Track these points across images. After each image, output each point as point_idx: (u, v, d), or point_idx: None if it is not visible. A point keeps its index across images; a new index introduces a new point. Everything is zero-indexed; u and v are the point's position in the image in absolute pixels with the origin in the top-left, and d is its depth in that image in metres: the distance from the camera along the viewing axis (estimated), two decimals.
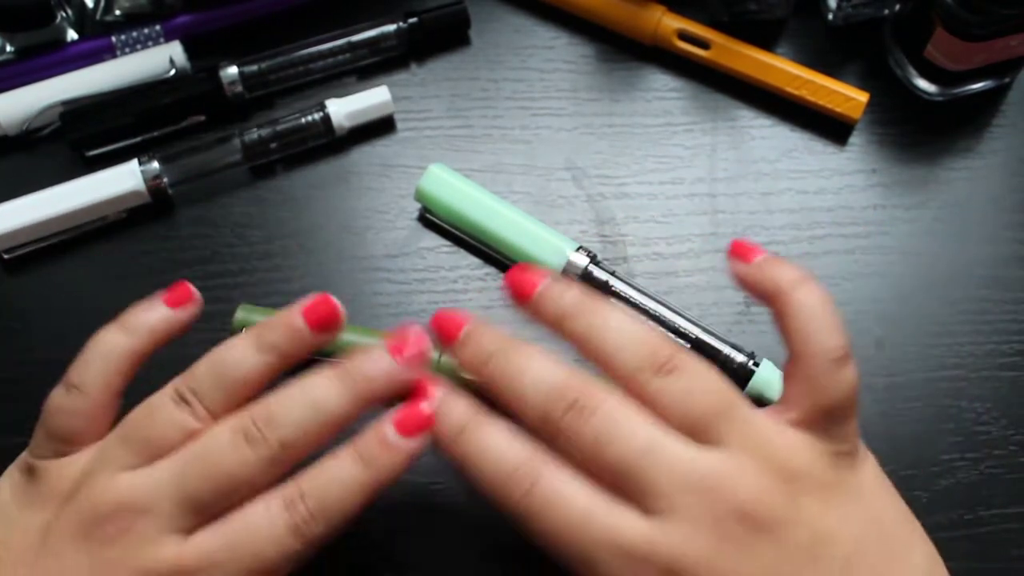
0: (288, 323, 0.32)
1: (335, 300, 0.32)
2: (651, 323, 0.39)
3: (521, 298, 0.32)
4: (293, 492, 0.30)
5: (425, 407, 0.31)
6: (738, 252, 0.33)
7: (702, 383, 0.30)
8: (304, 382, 0.31)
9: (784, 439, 0.30)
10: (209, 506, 0.30)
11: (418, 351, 0.32)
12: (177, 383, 0.31)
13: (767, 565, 0.28)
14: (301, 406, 0.31)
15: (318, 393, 0.31)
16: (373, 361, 0.32)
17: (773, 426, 0.30)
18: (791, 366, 0.31)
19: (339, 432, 0.31)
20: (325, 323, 0.32)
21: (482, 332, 0.32)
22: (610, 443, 0.29)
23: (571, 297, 0.31)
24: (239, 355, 0.31)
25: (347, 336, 0.40)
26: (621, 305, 0.31)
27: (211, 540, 0.30)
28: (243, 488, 0.30)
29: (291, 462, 0.31)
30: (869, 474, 0.32)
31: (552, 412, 0.29)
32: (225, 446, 0.30)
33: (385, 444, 0.31)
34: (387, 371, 0.31)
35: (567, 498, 0.29)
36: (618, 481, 0.29)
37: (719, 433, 0.29)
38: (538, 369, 0.30)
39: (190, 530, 0.30)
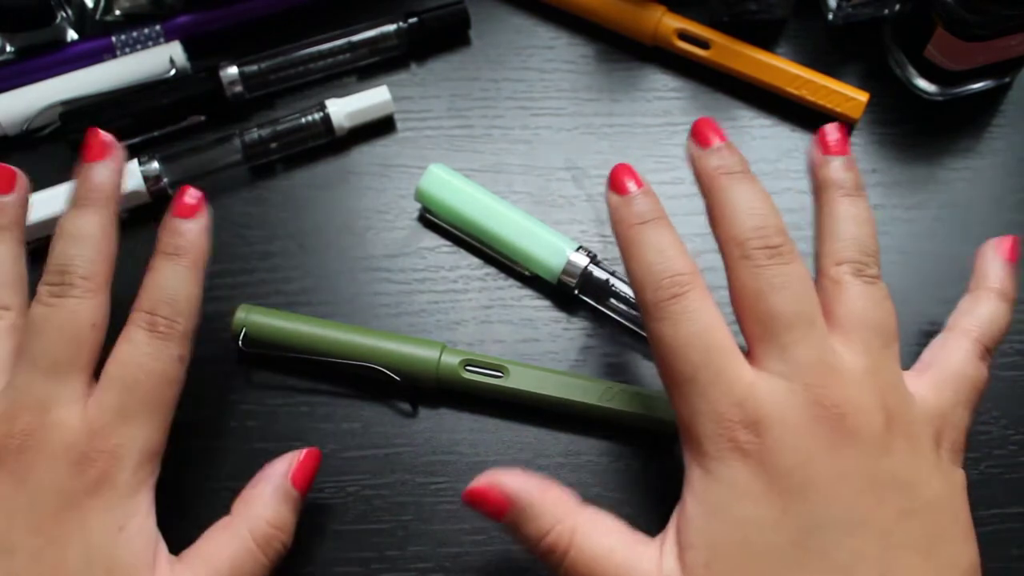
0: None
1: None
2: None
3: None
4: (141, 312, 0.33)
5: (189, 196, 0.35)
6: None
7: (882, 302, 0.33)
8: (62, 223, 0.34)
9: (910, 393, 0.32)
10: (74, 361, 0.32)
11: (103, 143, 0.35)
12: None
13: (840, 471, 0.29)
14: (73, 243, 0.33)
15: (78, 223, 0.34)
16: (93, 171, 0.35)
17: (906, 377, 0.33)
18: (939, 341, 0.35)
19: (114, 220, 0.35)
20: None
21: (731, 151, 0.35)
22: (783, 291, 0.31)
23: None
24: None
25: (348, 336, 0.40)
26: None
27: (102, 392, 0.32)
28: (87, 327, 0.32)
29: (106, 285, 0.34)
30: (959, 474, 0.32)
31: (753, 241, 0.32)
32: (48, 309, 0.33)
33: (179, 231, 0.35)
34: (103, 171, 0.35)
35: (704, 320, 0.31)
36: (764, 326, 0.31)
37: (866, 349, 0.31)
38: (761, 205, 0.33)
39: (82, 398, 0.32)
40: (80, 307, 0.33)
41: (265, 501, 0.34)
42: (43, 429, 0.31)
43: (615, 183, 0.35)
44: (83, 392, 0.32)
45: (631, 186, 0.34)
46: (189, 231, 0.35)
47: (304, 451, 0.36)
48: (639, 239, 0.33)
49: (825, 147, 0.35)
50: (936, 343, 0.35)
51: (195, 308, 0.34)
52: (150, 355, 0.33)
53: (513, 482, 0.32)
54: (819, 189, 0.35)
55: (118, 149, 0.36)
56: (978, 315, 0.36)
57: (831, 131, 0.35)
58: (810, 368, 0.30)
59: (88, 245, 0.34)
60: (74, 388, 0.32)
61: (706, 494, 0.30)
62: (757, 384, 0.30)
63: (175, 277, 0.34)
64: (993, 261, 0.37)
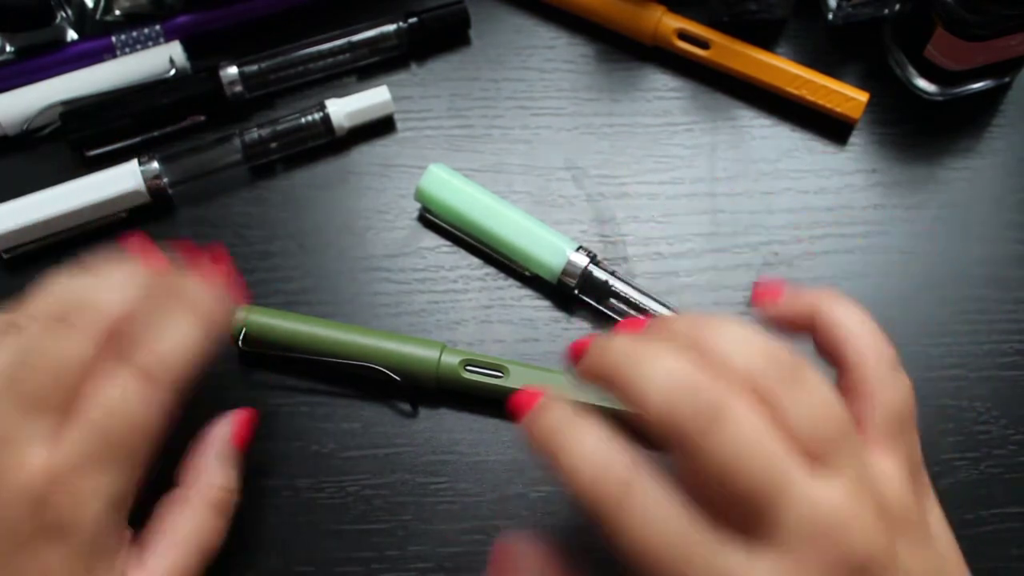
0: None
1: None
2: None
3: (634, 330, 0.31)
4: (140, 354, 0.31)
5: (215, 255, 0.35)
6: (764, 296, 0.33)
7: (827, 399, 0.27)
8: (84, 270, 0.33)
9: (882, 471, 0.29)
10: (51, 397, 0.30)
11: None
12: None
13: None
14: (90, 285, 0.32)
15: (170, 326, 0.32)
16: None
17: (869, 454, 0.29)
18: (848, 382, 0.30)
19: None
20: None
21: (611, 338, 0.30)
22: (738, 461, 0.26)
23: (688, 318, 0.30)
24: None
25: (348, 336, 0.40)
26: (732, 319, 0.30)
27: (77, 433, 0.30)
28: (76, 369, 0.30)
29: (107, 330, 0.31)
30: (937, 512, 0.31)
31: (677, 413, 0.26)
32: (42, 336, 0.31)
33: (210, 291, 0.34)
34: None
35: (666, 513, 0.26)
36: (737, 503, 0.26)
37: (837, 460, 0.27)
38: (669, 365, 0.27)
39: (54, 436, 0.30)
40: (76, 342, 0.31)
41: (213, 468, 0.35)
42: (2, 469, 0.29)
43: (519, 403, 0.30)
44: (54, 432, 0.30)
45: (536, 400, 0.30)
46: (207, 287, 0.34)
47: (237, 413, 0.37)
48: (557, 450, 0.28)
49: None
50: (846, 391, 0.30)
51: (193, 364, 0.32)
52: (137, 402, 0.31)
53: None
54: None
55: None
56: (854, 337, 0.31)
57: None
58: (802, 532, 0.26)
59: (114, 292, 0.32)
60: (45, 427, 0.30)
61: None
62: (755, 573, 0.26)
63: (184, 324, 0.32)
64: (798, 298, 0.32)
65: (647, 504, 0.26)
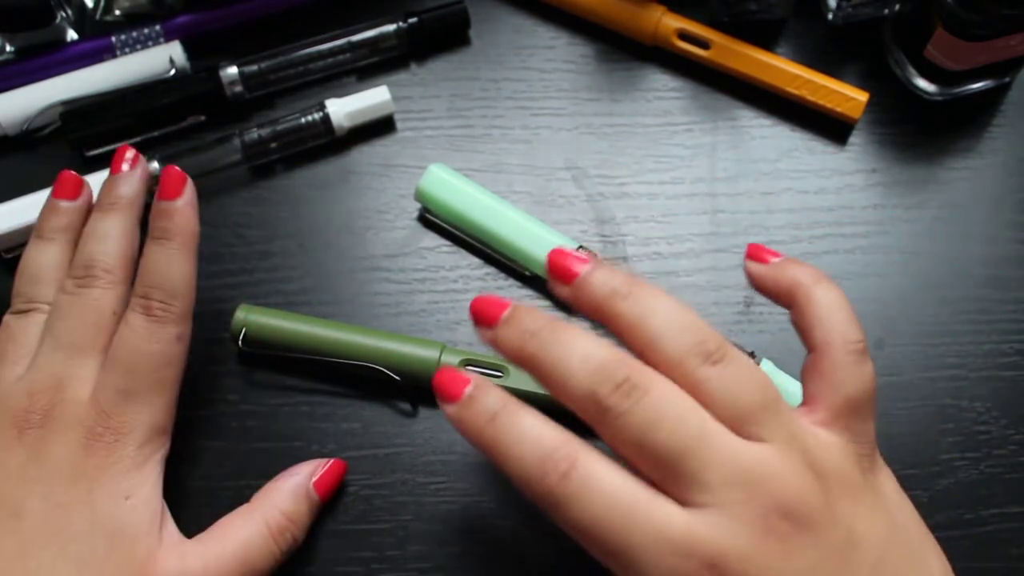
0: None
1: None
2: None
3: (564, 279, 0.31)
4: (138, 298, 0.35)
5: (170, 177, 0.37)
6: (754, 254, 0.34)
7: (748, 375, 0.29)
8: (89, 226, 0.37)
9: (818, 439, 0.30)
10: (92, 344, 0.35)
11: (129, 161, 0.38)
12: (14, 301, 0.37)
13: (807, 565, 0.28)
14: (98, 241, 0.36)
15: (105, 227, 0.37)
16: (117, 183, 0.38)
17: (807, 425, 0.30)
18: (812, 361, 0.31)
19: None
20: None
21: (525, 312, 0.31)
22: (660, 426, 0.28)
23: (619, 280, 0.30)
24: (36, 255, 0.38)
25: (348, 336, 0.40)
26: (664, 291, 0.30)
27: (107, 373, 0.34)
28: (108, 318, 0.35)
29: (126, 279, 0.36)
30: (889, 481, 0.32)
31: (599, 390, 0.28)
32: (72, 297, 0.36)
33: (167, 212, 0.37)
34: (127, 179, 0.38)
35: (606, 485, 0.28)
36: (662, 468, 0.28)
37: (762, 427, 0.28)
38: (586, 346, 0.29)
39: (95, 378, 0.35)
40: (103, 296, 0.36)
41: (284, 495, 0.37)
42: (60, 406, 0.34)
43: (445, 390, 0.30)
44: (97, 372, 0.35)
45: (465, 389, 0.30)
46: (175, 211, 0.37)
47: (331, 461, 0.38)
48: (496, 438, 0.29)
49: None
50: (809, 369, 0.32)
51: (189, 287, 0.36)
52: (147, 338, 0.35)
53: None
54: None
55: (141, 162, 0.39)
56: (824, 319, 0.32)
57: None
58: (729, 485, 0.28)
59: (111, 243, 0.36)
60: (90, 368, 0.35)
61: None
62: (693, 525, 0.27)
63: (166, 260, 0.36)
64: (785, 267, 0.33)
65: (590, 479, 0.28)
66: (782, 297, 0.33)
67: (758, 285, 0.34)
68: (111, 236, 0.37)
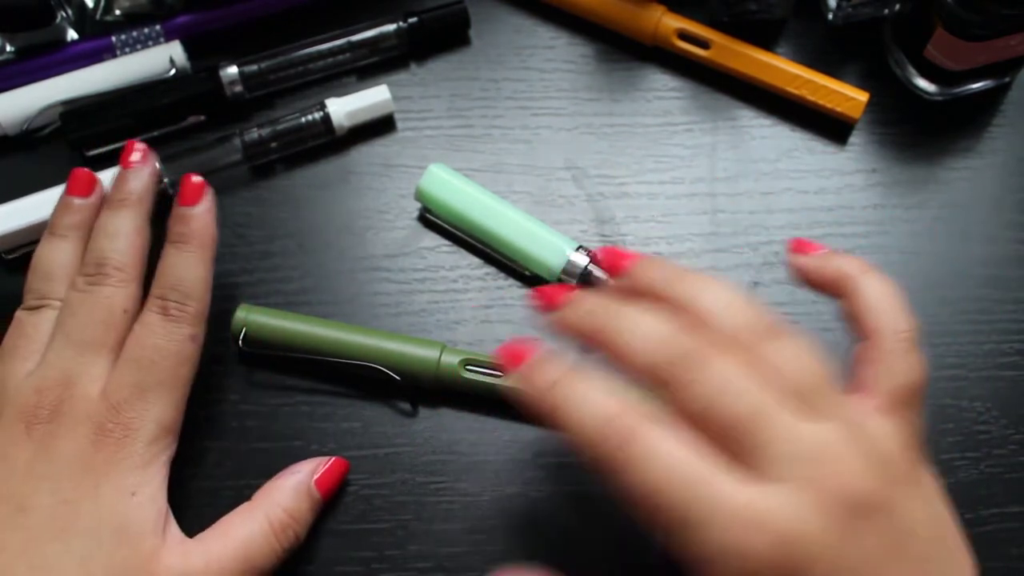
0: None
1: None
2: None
3: (615, 272, 0.33)
4: (155, 298, 0.36)
5: (190, 184, 0.38)
6: (798, 248, 0.34)
7: (806, 353, 0.29)
8: (99, 222, 0.38)
9: (876, 423, 0.30)
10: (103, 341, 0.35)
11: (139, 155, 0.39)
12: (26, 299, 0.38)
13: (868, 551, 0.27)
14: (108, 239, 0.37)
15: (116, 224, 0.37)
16: (128, 178, 0.39)
17: (865, 409, 0.30)
18: (864, 349, 0.31)
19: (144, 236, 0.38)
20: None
21: (587, 294, 0.32)
22: (722, 398, 0.28)
23: (669, 269, 0.32)
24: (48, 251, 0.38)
25: (348, 336, 0.40)
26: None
27: (120, 370, 0.35)
28: (119, 316, 0.36)
29: (138, 276, 0.37)
30: (932, 477, 0.31)
31: (665, 361, 0.29)
32: (83, 295, 0.36)
33: (186, 218, 0.37)
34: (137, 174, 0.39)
35: (669, 452, 0.27)
36: (726, 438, 0.28)
37: (821, 406, 0.28)
38: (650, 320, 0.30)
39: (106, 375, 0.35)
40: (114, 294, 0.36)
41: (286, 492, 0.37)
42: (69, 401, 0.34)
43: (510, 357, 0.31)
44: (108, 369, 0.35)
45: (529, 355, 0.31)
46: (193, 217, 0.38)
47: (332, 459, 0.38)
48: (559, 402, 0.29)
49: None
50: (862, 357, 0.32)
51: (205, 290, 0.37)
52: (163, 336, 0.35)
53: None
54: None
55: (151, 157, 0.40)
56: (874, 307, 0.32)
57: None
58: (793, 461, 0.27)
59: (122, 240, 0.37)
60: (100, 365, 0.35)
61: None
62: (760, 499, 0.27)
63: (183, 263, 0.37)
64: (831, 259, 0.34)
65: (652, 445, 0.28)
66: (829, 288, 0.33)
67: (805, 278, 0.34)
68: (122, 233, 0.37)
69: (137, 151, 0.39)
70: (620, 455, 0.28)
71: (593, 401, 0.29)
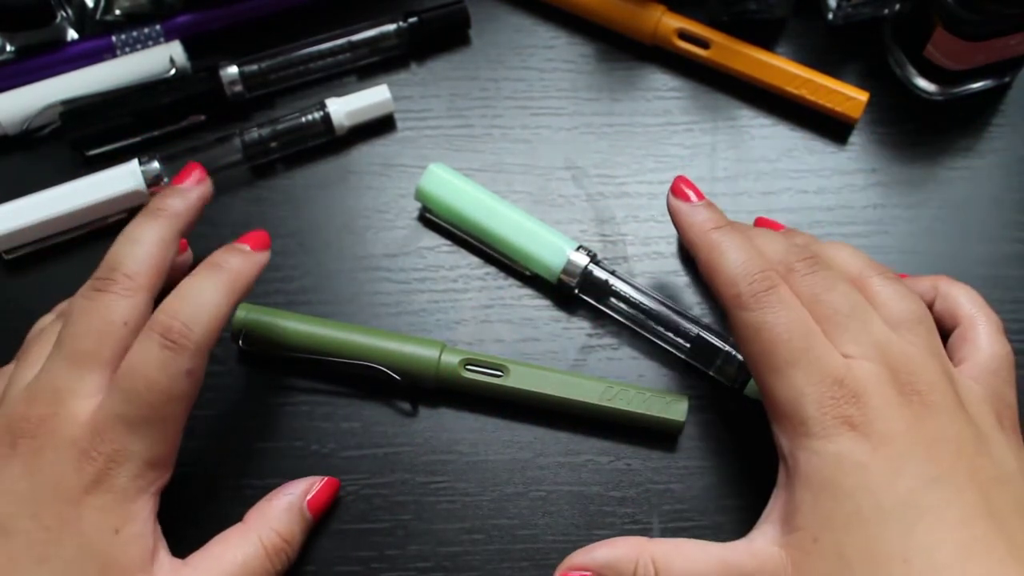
0: None
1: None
2: None
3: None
4: (161, 317, 0.33)
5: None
6: (679, 192, 0.38)
7: (910, 294, 0.35)
8: (126, 228, 0.36)
9: (961, 374, 0.34)
10: (96, 355, 0.33)
11: (195, 178, 0.38)
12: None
13: (934, 436, 0.31)
14: (127, 244, 0.35)
15: (140, 232, 0.35)
16: (173, 192, 0.37)
17: (955, 367, 0.35)
18: (959, 332, 0.36)
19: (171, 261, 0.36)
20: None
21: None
22: (833, 289, 0.34)
23: (801, 238, 0.39)
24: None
25: (348, 336, 0.40)
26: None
27: (110, 395, 0.32)
28: (118, 328, 0.33)
29: (148, 288, 0.34)
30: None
31: (791, 257, 0.35)
32: (85, 302, 0.34)
33: (235, 249, 0.36)
34: (185, 194, 0.37)
35: (798, 307, 0.34)
36: (831, 319, 0.33)
37: (914, 334, 0.34)
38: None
39: (98, 393, 0.33)
40: (115, 303, 0.33)
41: (279, 514, 0.36)
42: (55, 419, 0.32)
43: (679, 193, 0.38)
44: (100, 386, 0.33)
45: (694, 197, 0.37)
46: (241, 250, 0.36)
47: (325, 479, 0.38)
48: (723, 240, 0.36)
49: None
50: (958, 338, 0.36)
51: (214, 318, 0.34)
52: (156, 368, 0.32)
53: (585, 557, 0.34)
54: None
55: (205, 184, 0.39)
56: (968, 301, 0.37)
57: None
58: (884, 348, 0.33)
59: (140, 248, 0.35)
60: (92, 382, 0.33)
61: (815, 474, 0.31)
62: (850, 363, 0.32)
63: (200, 287, 0.34)
64: (915, 279, 0.39)
65: (788, 298, 0.34)
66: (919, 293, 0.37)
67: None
68: (143, 241, 0.35)
69: (194, 175, 0.38)
70: (761, 296, 0.34)
71: (748, 249, 0.35)
